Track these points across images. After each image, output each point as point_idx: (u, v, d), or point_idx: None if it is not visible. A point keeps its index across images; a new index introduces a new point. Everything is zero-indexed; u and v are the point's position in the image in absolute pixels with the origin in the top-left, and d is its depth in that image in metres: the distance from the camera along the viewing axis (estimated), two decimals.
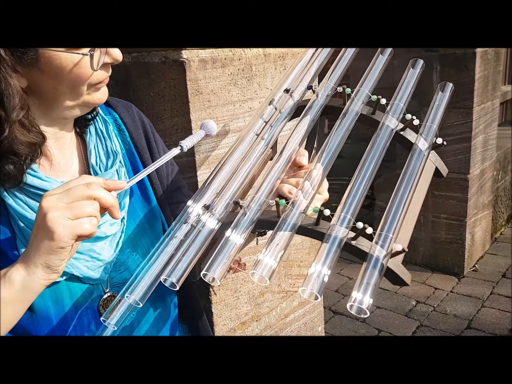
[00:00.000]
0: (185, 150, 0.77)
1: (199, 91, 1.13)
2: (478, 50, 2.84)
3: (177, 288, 0.64)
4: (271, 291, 1.48)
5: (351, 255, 0.62)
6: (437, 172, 0.77)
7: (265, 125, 0.82)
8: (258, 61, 1.26)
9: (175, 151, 0.75)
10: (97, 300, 0.77)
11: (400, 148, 2.98)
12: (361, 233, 0.61)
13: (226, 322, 1.34)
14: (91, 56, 0.66)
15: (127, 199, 0.80)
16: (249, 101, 1.26)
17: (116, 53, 0.70)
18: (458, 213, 3.16)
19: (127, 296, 0.65)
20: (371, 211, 3.70)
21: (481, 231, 3.44)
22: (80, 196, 0.62)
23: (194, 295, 0.99)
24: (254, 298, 1.42)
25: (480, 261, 3.43)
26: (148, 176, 0.85)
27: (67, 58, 0.65)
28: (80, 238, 0.62)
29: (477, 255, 3.43)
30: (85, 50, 0.65)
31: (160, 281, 0.65)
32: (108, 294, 0.78)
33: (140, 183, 0.84)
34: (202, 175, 1.18)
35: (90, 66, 0.66)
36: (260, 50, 1.26)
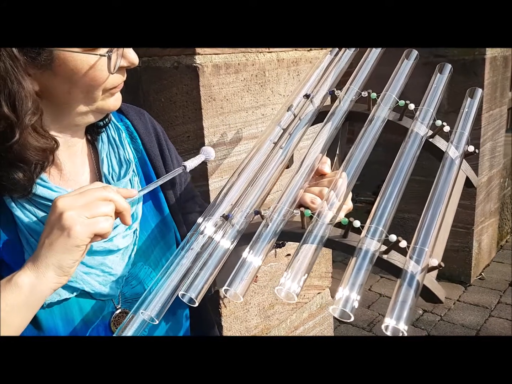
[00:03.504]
0: (187, 170, 0.80)
1: (212, 97, 1.09)
2: (487, 56, 2.82)
3: (196, 304, 0.60)
4: (281, 303, 1.44)
5: None
6: (467, 182, 0.73)
7: (282, 133, 0.78)
8: (271, 66, 1.22)
9: (179, 170, 0.79)
10: (108, 316, 0.73)
11: None
12: (393, 246, 0.58)
13: (236, 335, 1.30)
14: (109, 58, 0.62)
15: (139, 210, 0.77)
16: (262, 107, 1.22)
17: (133, 57, 0.67)
18: (465, 221, 3.12)
19: (141, 312, 0.61)
20: None
21: (488, 239, 3.40)
22: (96, 196, 0.61)
23: (205, 307, 0.95)
24: (264, 311, 1.38)
25: (487, 269, 3.39)
26: (161, 185, 0.82)
27: (82, 60, 0.61)
28: (96, 237, 0.61)
29: (484, 263, 3.39)
30: (102, 51, 0.62)
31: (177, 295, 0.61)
32: (120, 310, 0.74)
33: (153, 193, 0.81)
34: (214, 183, 1.14)
35: (107, 69, 0.63)
36: (274, 55, 1.23)
